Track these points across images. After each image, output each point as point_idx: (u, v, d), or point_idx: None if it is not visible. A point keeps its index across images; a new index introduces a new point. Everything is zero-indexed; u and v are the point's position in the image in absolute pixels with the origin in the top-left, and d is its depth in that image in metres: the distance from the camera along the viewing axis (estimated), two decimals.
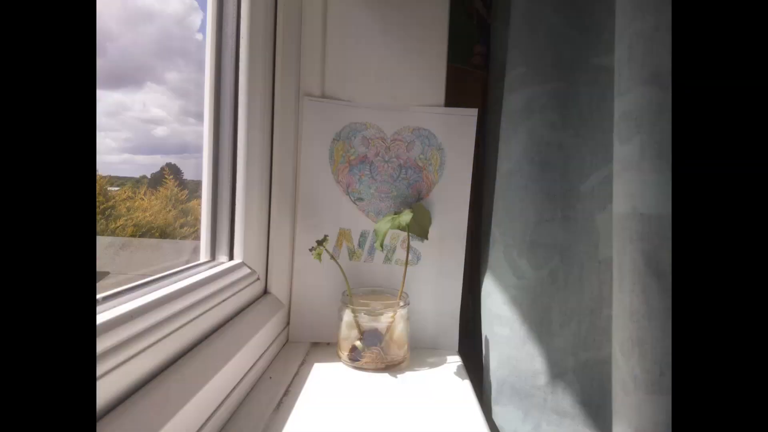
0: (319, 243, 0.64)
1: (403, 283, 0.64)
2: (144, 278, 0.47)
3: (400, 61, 0.70)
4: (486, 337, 0.69)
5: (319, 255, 0.63)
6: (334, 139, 0.70)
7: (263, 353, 0.59)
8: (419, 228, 0.67)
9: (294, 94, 0.70)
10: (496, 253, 0.66)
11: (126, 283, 0.43)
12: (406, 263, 0.66)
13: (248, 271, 0.64)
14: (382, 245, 0.65)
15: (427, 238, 0.69)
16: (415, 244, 0.70)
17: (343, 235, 0.70)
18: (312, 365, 0.63)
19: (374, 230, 0.66)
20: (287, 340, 0.70)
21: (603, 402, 0.56)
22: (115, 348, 0.34)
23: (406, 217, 0.63)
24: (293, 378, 0.58)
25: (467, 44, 0.85)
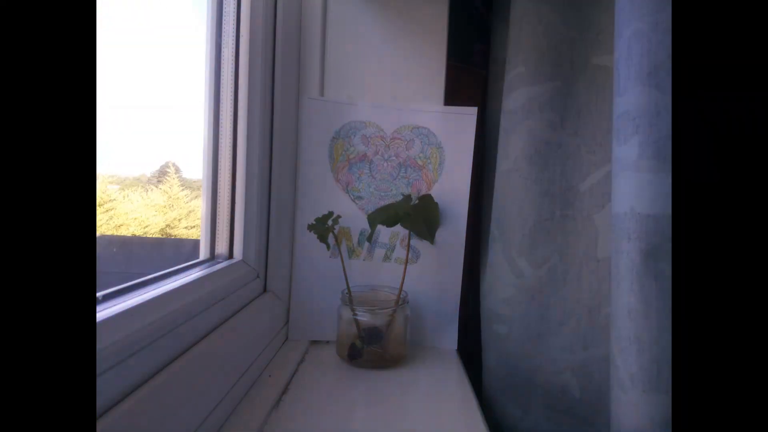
0: (321, 222, 0.63)
1: (403, 281, 0.65)
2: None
3: (400, 60, 0.70)
4: (485, 335, 0.69)
5: (324, 237, 0.62)
6: (333, 138, 0.70)
7: (262, 351, 0.59)
8: (425, 226, 0.66)
9: (294, 92, 0.70)
10: (495, 252, 0.66)
11: None
12: (406, 261, 0.66)
13: (247, 269, 0.64)
14: (371, 238, 0.64)
15: (432, 242, 0.68)
16: (415, 242, 0.70)
17: (343, 233, 0.70)
18: (311, 363, 0.63)
19: (367, 220, 0.65)
20: (286, 339, 0.70)
21: (601, 400, 0.57)
22: (115, 346, 0.34)
23: (401, 208, 0.61)
24: (292, 376, 0.59)
25: (467, 43, 0.85)
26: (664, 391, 0.36)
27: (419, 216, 0.65)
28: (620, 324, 0.39)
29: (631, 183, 0.38)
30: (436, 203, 0.67)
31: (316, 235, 0.63)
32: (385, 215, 0.62)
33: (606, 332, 0.57)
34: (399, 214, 0.61)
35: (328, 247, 0.66)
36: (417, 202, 0.66)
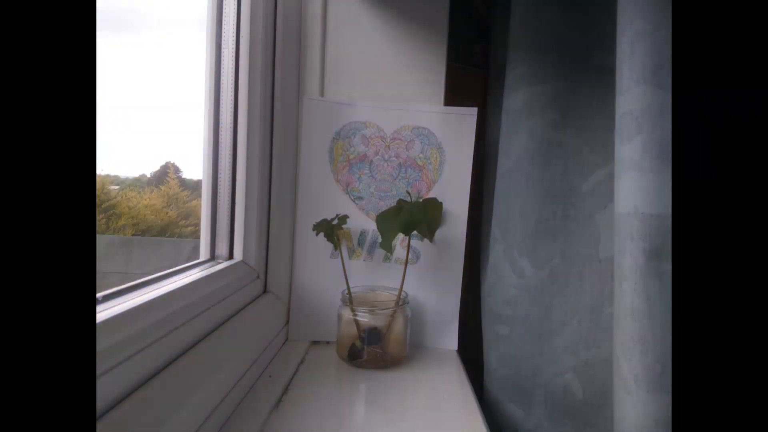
0: (328, 223, 0.63)
1: (403, 281, 0.64)
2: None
3: (400, 60, 0.70)
4: (486, 336, 0.69)
5: (331, 235, 0.62)
6: (333, 138, 0.70)
7: (263, 352, 0.59)
8: (427, 226, 0.66)
9: (294, 93, 0.70)
10: (496, 253, 0.66)
11: None
12: (406, 262, 0.66)
13: (248, 269, 0.64)
14: (391, 247, 0.62)
15: (432, 240, 0.68)
16: (415, 243, 0.70)
17: (343, 233, 0.70)
18: (311, 364, 0.63)
19: (377, 228, 0.63)
20: (287, 339, 0.70)
21: (604, 401, 0.56)
22: (115, 347, 0.34)
23: (417, 214, 0.61)
24: (293, 377, 0.58)
25: (467, 44, 0.85)
26: (668, 392, 0.36)
27: (424, 215, 0.65)
28: (624, 324, 0.39)
29: (635, 183, 0.38)
30: (441, 203, 0.66)
31: (323, 234, 0.63)
32: (401, 223, 0.60)
33: (608, 333, 0.57)
34: (414, 220, 0.60)
35: (337, 246, 0.66)
36: (424, 202, 0.66)
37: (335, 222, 0.64)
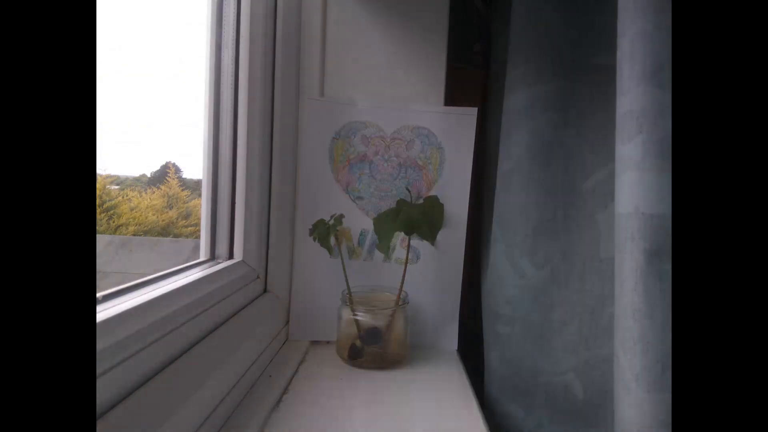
0: (323, 225, 0.63)
1: (403, 281, 0.64)
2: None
3: (400, 60, 0.70)
4: (487, 336, 0.69)
5: (326, 239, 0.62)
6: (333, 138, 0.70)
7: (263, 352, 0.59)
8: (428, 226, 0.65)
9: (294, 93, 0.69)
10: (497, 252, 0.66)
11: None
12: (406, 262, 0.65)
13: (248, 269, 0.64)
14: (388, 250, 0.63)
15: (433, 243, 0.68)
16: (415, 243, 0.70)
17: (343, 233, 0.70)
18: (311, 364, 0.63)
19: (374, 230, 0.64)
20: (287, 339, 0.70)
21: (604, 400, 0.56)
22: (115, 346, 0.34)
23: (416, 216, 0.61)
24: (293, 376, 0.58)
25: (467, 43, 0.85)
26: (669, 391, 0.36)
27: (424, 217, 0.65)
28: (625, 324, 0.39)
29: (636, 183, 0.38)
30: (442, 205, 0.66)
31: (317, 241, 0.64)
32: (400, 225, 0.61)
33: (609, 332, 0.57)
34: (413, 222, 0.61)
35: (331, 251, 0.66)
36: (422, 201, 0.66)
37: (331, 223, 0.64)
